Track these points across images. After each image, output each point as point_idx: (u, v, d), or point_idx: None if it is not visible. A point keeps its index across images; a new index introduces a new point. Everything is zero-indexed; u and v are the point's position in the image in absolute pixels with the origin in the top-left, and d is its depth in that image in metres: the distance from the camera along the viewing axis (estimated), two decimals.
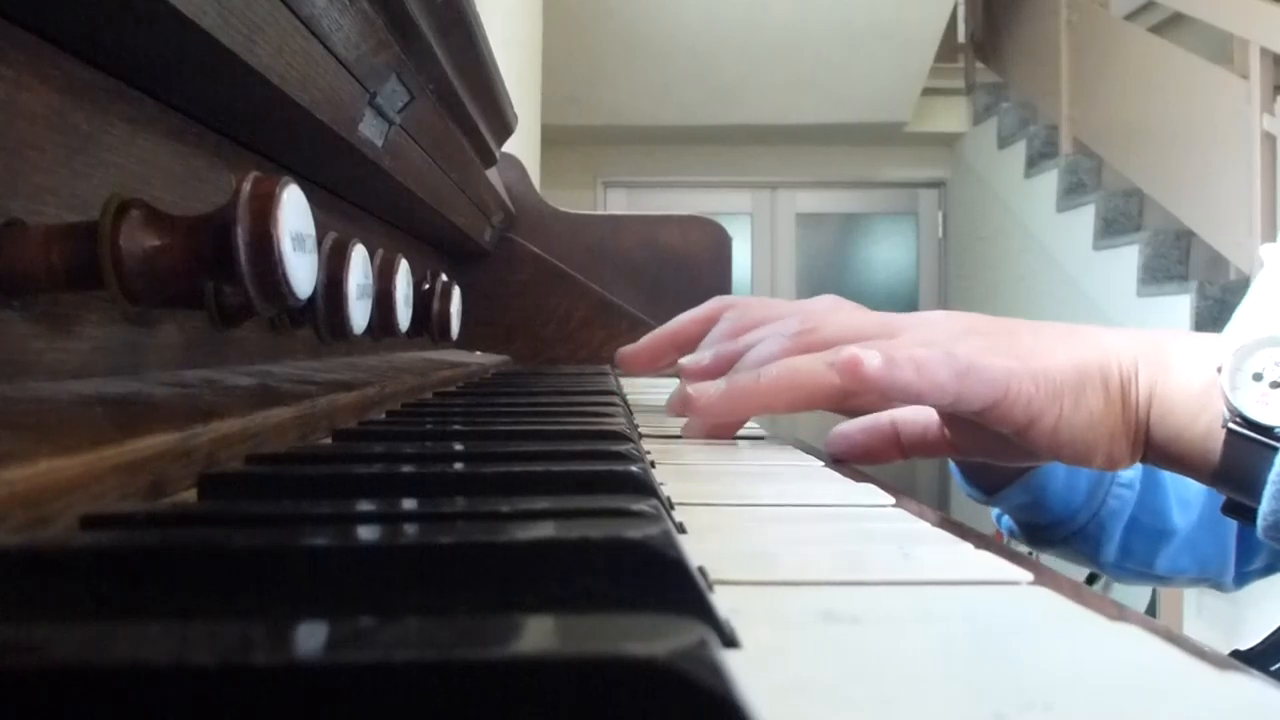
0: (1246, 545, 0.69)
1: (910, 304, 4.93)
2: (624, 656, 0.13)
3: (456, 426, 0.50)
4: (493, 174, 1.11)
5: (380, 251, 0.59)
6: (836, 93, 4.34)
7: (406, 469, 0.34)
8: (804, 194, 5.05)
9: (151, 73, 0.40)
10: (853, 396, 0.49)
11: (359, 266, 0.50)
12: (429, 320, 0.75)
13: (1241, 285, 2.72)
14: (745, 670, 0.15)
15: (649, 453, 0.47)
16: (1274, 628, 0.68)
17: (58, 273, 0.32)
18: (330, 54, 0.49)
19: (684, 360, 0.59)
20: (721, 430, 0.56)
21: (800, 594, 0.22)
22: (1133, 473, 0.66)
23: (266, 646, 0.14)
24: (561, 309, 1.31)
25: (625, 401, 0.72)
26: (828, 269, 5.06)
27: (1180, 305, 2.92)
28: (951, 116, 4.80)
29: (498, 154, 1.04)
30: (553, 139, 3.55)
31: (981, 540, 0.29)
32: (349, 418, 0.50)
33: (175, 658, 0.13)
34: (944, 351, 0.44)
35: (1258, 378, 0.41)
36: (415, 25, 0.59)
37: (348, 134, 0.55)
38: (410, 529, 0.23)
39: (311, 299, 0.46)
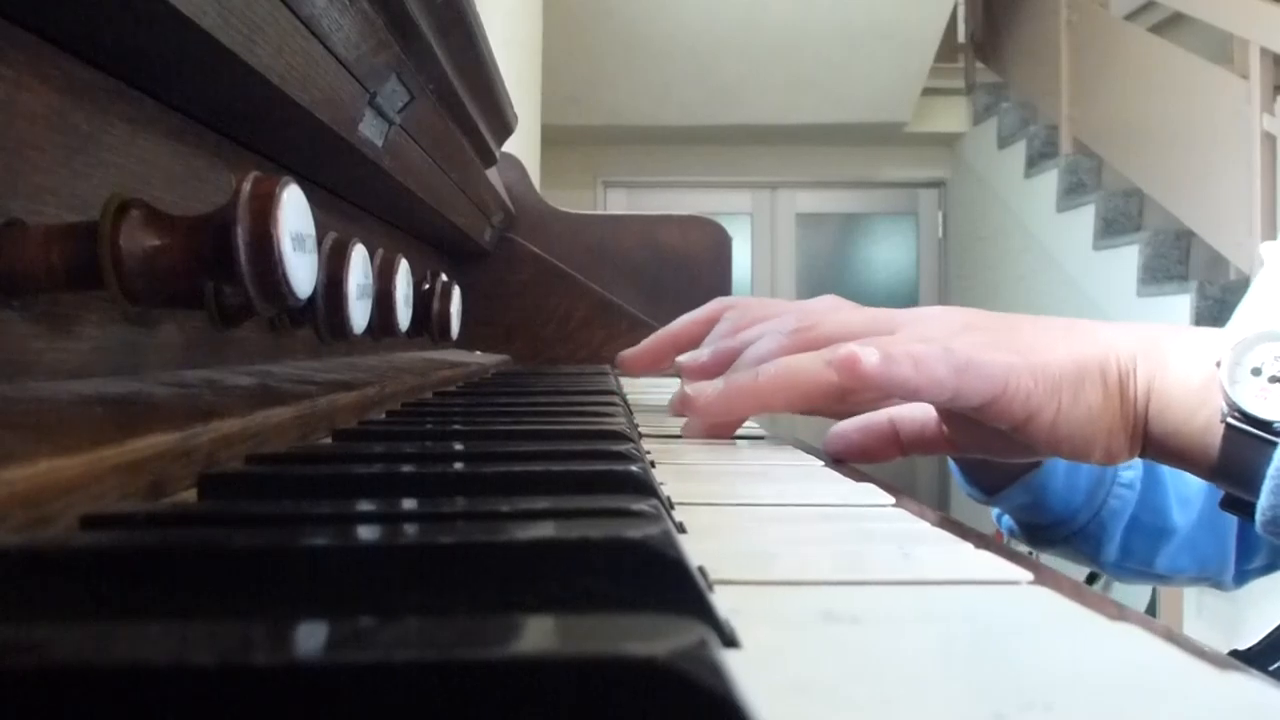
0: (1247, 543, 0.69)
1: (910, 304, 4.89)
2: (624, 656, 0.13)
3: (456, 426, 0.50)
4: (493, 174, 1.11)
5: (380, 251, 0.59)
6: (836, 93, 4.34)
7: (406, 469, 0.34)
8: (804, 194, 5.05)
9: (151, 73, 0.40)
10: (851, 394, 0.49)
11: (359, 266, 0.50)
12: (429, 320, 0.75)
13: (1241, 285, 2.72)
14: (745, 670, 0.15)
15: (649, 453, 0.47)
16: (1273, 627, 0.68)
17: (58, 273, 0.32)
18: (330, 54, 0.49)
19: (682, 358, 0.59)
20: (721, 429, 0.56)
21: (800, 594, 0.22)
22: (1133, 473, 0.66)
23: (266, 646, 0.14)
24: (561, 309, 1.31)
25: (625, 401, 0.72)
26: (828, 269, 5.06)
27: (1180, 305, 2.92)
28: (951, 116, 4.80)
29: (498, 154, 1.04)
30: (553, 139, 3.55)
31: (981, 540, 0.29)
32: (349, 418, 0.50)
33: (175, 658, 0.13)
34: (942, 347, 0.44)
35: (1256, 372, 0.41)
36: (415, 25, 0.59)
37: (348, 134, 0.55)
38: (410, 529, 0.23)
39: (311, 299, 0.46)
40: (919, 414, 0.55)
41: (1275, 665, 0.66)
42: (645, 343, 0.66)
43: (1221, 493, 0.46)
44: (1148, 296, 3.17)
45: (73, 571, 0.19)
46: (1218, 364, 0.42)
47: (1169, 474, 0.68)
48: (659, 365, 0.66)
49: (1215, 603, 2.40)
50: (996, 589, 0.23)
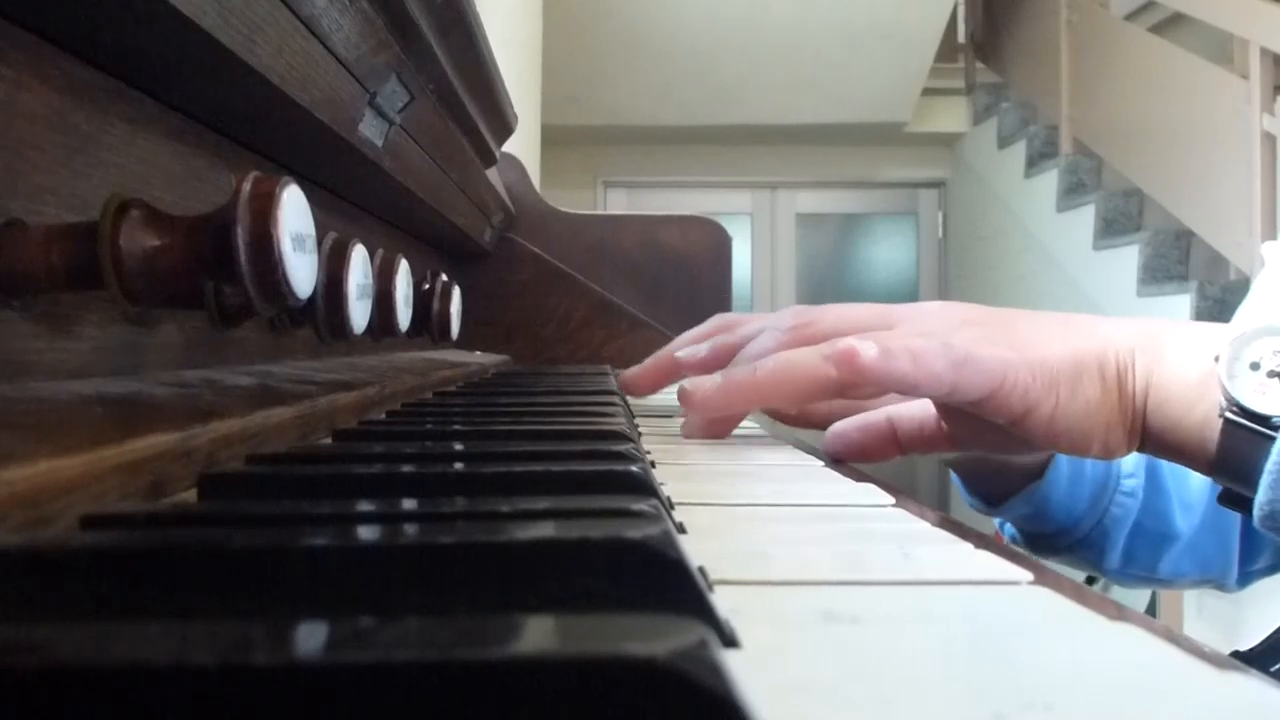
0: (1250, 545, 0.69)
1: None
2: (624, 656, 0.13)
3: (456, 426, 0.50)
4: (493, 174, 1.11)
5: (380, 251, 0.59)
6: (836, 93, 4.34)
7: (406, 469, 0.34)
8: (804, 194, 5.05)
9: (151, 73, 0.40)
10: (849, 388, 0.49)
11: (359, 266, 0.50)
12: (429, 320, 0.75)
13: (1241, 285, 2.72)
14: (745, 670, 0.15)
15: (649, 453, 0.47)
16: (1274, 628, 0.68)
17: (58, 273, 0.32)
18: (330, 54, 0.49)
19: (681, 353, 0.59)
20: (720, 426, 0.56)
21: (800, 594, 0.22)
22: (1136, 481, 0.66)
23: (266, 646, 0.14)
24: (561, 309, 1.31)
25: (625, 401, 0.72)
26: (828, 269, 5.06)
27: (1180, 305, 2.92)
28: (951, 116, 4.80)
29: (498, 154, 1.04)
30: (553, 139, 3.55)
31: (981, 540, 0.29)
32: (349, 418, 0.50)
33: (175, 658, 0.13)
34: (940, 342, 0.44)
35: (1255, 367, 0.41)
36: (415, 25, 0.59)
37: (348, 134, 0.55)
38: (410, 529, 0.23)
39: (311, 299, 0.46)
40: (917, 413, 0.55)
41: (1276, 666, 0.65)
42: (647, 362, 0.65)
43: (1220, 489, 0.46)
44: (1148, 296, 3.17)
45: (73, 571, 0.19)
46: (1216, 358, 0.42)
47: (1171, 480, 0.68)
48: (662, 385, 0.65)
49: (1216, 603, 2.40)
50: (996, 589, 0.23)
